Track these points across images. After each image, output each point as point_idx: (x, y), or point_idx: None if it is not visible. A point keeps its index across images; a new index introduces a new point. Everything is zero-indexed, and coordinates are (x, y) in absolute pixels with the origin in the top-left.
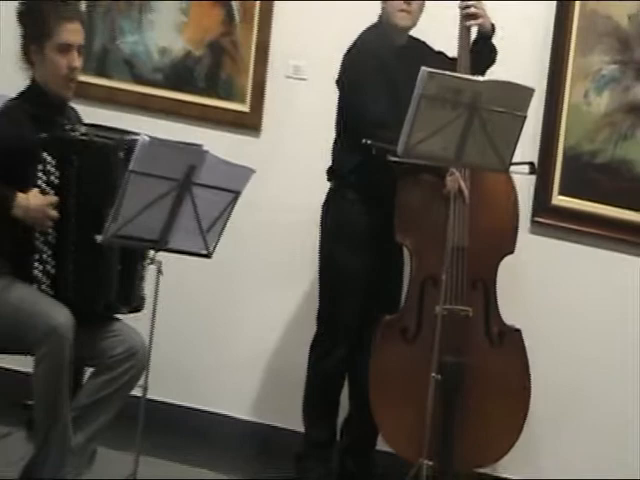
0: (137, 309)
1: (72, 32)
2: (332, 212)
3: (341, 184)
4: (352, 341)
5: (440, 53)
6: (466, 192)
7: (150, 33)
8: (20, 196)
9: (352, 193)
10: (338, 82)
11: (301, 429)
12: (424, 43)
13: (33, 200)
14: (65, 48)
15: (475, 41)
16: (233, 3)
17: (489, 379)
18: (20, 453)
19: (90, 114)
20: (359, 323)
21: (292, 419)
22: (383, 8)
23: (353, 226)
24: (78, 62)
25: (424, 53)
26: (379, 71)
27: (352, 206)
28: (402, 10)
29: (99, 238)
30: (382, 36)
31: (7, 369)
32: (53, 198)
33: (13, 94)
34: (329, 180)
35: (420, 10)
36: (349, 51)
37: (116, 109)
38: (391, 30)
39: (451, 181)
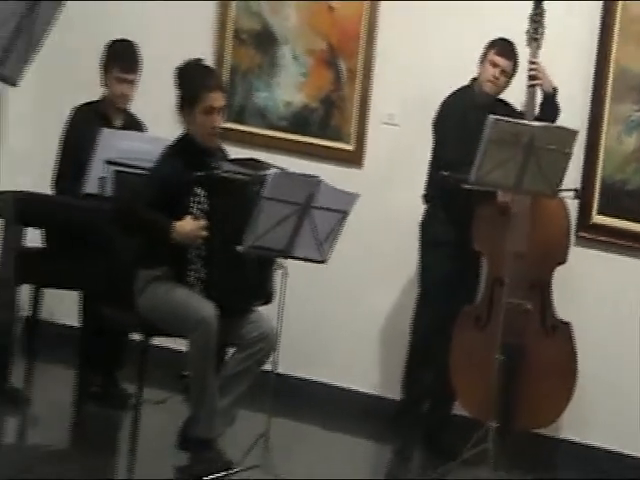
0: (268, 302)
1: (215, 99)
2: (428, 229)
3: (433, 206)
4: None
5: (512, 108)
6: (514, 206)
7: (278, 90)
8: (177, 224)
9: (442, 213)
10: (432, 126)
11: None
12: (506, 103)
13: (188, 226)
14: (210, 111)
15: (542, 101)
16: (341, 66)
17: (543, 360)
18: (178, 414)
19: (233, 152)
20: (446, 309)
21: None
22: (479, 74)
23: (444, 238)
24: (219, 122)
25: (499, 108)
26: (460, 123)
27: (442, 224)
28: (490, 81)
29: (239, 248)
30: (469, 96)
31: (169, 348)
32: (203, 223)
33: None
34: (425, 202)
35: (506, 84)
36: (442, 104)
37: (252, 148)
38: (478, 92)
39: (501, 196)
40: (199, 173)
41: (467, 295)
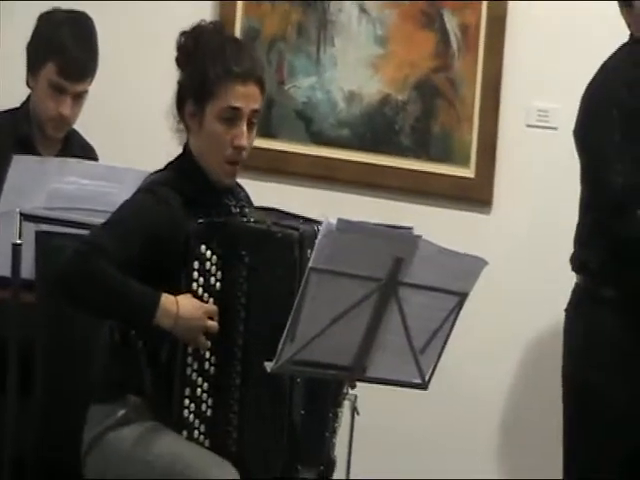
0: (324, 476)
1: (245, 95)
2: (581, 319)
3: (592, 279)
4: None
5: None
6: None
7: (332, 73)
8: (167, 299)
9: (610, 292)
10: (575, 134)
11: None
12: None
13: (185, 306)
14: (233, 117)
15: None
16: (448, 25)
17: None
18: None
19: (251, 187)
20: (629, 472)
21: None
22: (637, 15)
23: (614, 340)
24: (249, 140)
25: None
26: (626, 111)
27: (611, 311)
28: None
29: (269, 365)
30: (636, 54)
31: None
32: (213, 307)
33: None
34: (574, 271)
35: None
36: (589, 85)
37: (287, 181)
38: None
39: None
40: (204, 220)
41: None
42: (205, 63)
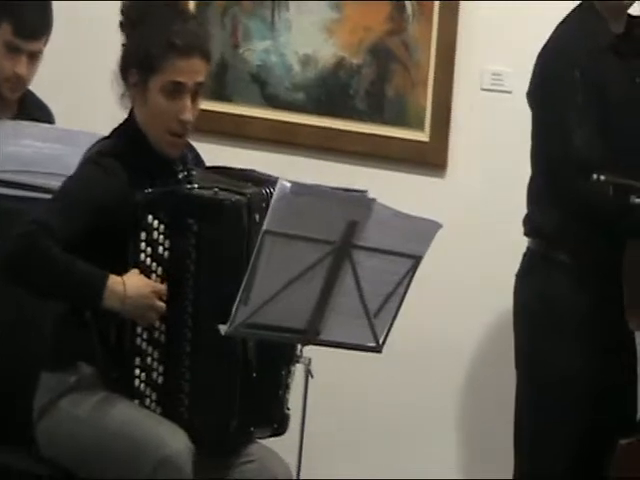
0: (278, 432)
1: (188, 70)
2: (534, 285)
3: (547, 244)
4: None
5: None
6: None
7: (287, 36)
8: (113, 280)
9: (564, 257)
10: (529, 96)
11: None
12: None
13: (132, 286)
14: (176, 90)
15: None
16: None
17: None
18: None
19: (207, 152)
20: (584, 448)
21: None
22: None
23: (568, 306)
24: (193, 113)
25: None
26: (588, 82)
27: (565, 276)
28: None
29: (224, 329)
30: (592, 22)
31: None
32: (161, 286)
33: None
34: (526, 235)
35: None
36: (544, 50)
37: (242, 144)
38: (608, 11)
39: None
40: (151, 190)
41: (620, 417)
42: (149, 35)
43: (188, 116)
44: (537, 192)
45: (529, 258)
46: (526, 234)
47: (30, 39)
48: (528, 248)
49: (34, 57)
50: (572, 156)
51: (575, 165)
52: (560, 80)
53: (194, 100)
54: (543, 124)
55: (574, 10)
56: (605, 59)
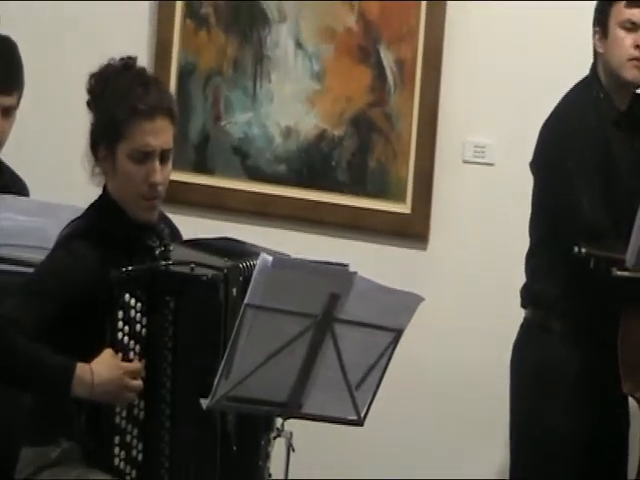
0: None
1: (155, 133)
2: (531, 352)
3: (542, 313)
4: None
5: None
6: None
7: (268, 108)
8: (81, 370)
9: (559, 325)
10: (532, 166)
11: None
12: None
13: (101, 371)
14: (144, 156)
15: None
16: (384, 60)
17: None
18: None
19: (188, 224)
20: None
21: None
22: (600, 55)
23: (563, 372)
24: (164, 176)
25: None
26: (593, 151)
27: (560, 344)
28: (634, 59)
29: (205, 402)
30: (597, 97)
31: None
32: (136, 365)
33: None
34: (523, 307)
35: None
36: (548, 121)
37: (224, 217)
38: (613, 86)
39: None
40: (126, 270)
41: (611, 475)
42: (112, 104)
43: (158, 178)
44: (537, 262)
45: (526, 329)
46: (523, 305)
47: (4, 92)
48: (525, 319)
49: (6, 113)
50: (581, 220)
51: (583, 229)
52: (567, 148)
53: (163, 162)
54: (549, 190)
55: (579, 83)
56: (608, 130)
